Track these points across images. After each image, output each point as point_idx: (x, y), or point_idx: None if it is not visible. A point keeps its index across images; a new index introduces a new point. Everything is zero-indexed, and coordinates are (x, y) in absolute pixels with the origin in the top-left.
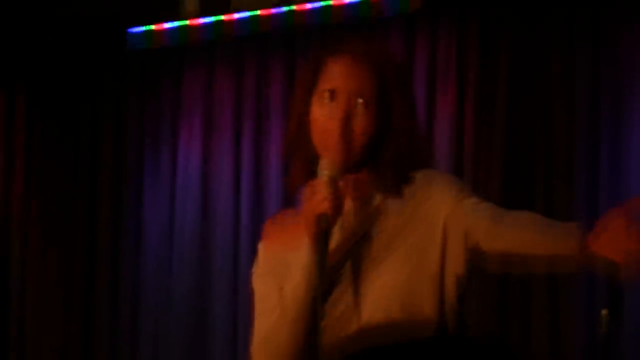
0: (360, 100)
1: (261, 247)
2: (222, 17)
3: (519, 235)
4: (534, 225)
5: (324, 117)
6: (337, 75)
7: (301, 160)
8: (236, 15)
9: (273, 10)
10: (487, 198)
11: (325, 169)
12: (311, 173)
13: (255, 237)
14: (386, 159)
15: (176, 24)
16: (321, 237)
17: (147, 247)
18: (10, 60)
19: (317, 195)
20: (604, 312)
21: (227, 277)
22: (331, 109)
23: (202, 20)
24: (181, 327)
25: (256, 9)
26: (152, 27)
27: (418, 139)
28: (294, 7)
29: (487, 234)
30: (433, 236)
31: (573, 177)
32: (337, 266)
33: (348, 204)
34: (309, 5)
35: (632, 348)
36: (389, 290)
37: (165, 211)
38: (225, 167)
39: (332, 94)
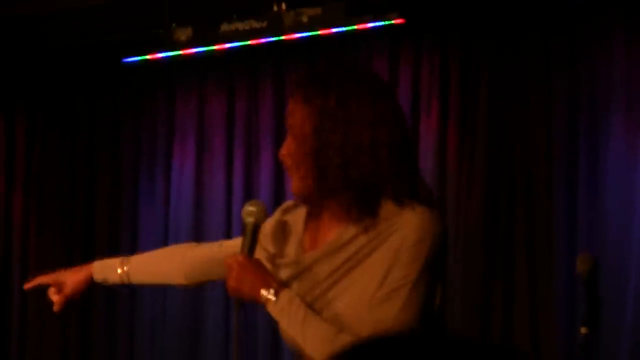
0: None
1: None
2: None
3: None
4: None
5: None
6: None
7: None
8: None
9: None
10: (469, 219)
11: (248, 216)
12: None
13: None
14: (336, 185)
15: (169, 53)
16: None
17: None
18: (12, 86)
19: (233, 265)
20: (582, 329)
21: (219, 292)
22: None
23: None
24: (175, 337)
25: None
26: (147, 56)
27: (378, 165)
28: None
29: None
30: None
31: (551, 194)
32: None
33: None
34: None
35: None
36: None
37: (160, 231)
38: (217, 187)
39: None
